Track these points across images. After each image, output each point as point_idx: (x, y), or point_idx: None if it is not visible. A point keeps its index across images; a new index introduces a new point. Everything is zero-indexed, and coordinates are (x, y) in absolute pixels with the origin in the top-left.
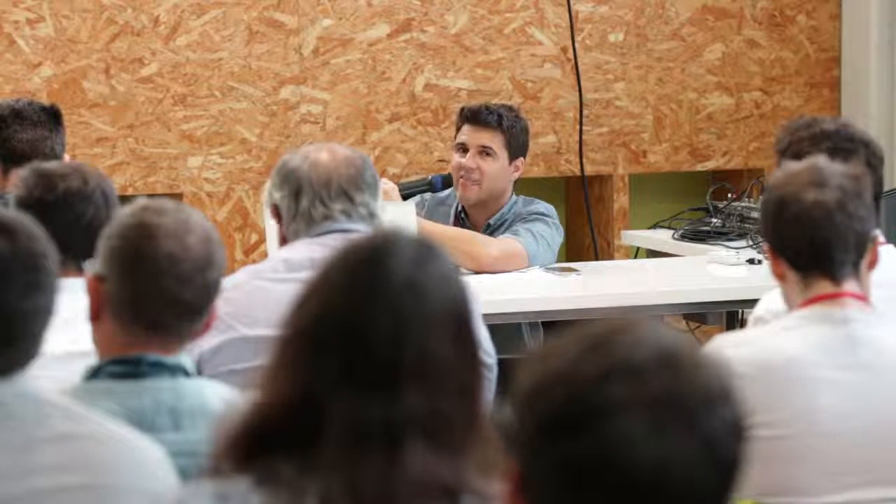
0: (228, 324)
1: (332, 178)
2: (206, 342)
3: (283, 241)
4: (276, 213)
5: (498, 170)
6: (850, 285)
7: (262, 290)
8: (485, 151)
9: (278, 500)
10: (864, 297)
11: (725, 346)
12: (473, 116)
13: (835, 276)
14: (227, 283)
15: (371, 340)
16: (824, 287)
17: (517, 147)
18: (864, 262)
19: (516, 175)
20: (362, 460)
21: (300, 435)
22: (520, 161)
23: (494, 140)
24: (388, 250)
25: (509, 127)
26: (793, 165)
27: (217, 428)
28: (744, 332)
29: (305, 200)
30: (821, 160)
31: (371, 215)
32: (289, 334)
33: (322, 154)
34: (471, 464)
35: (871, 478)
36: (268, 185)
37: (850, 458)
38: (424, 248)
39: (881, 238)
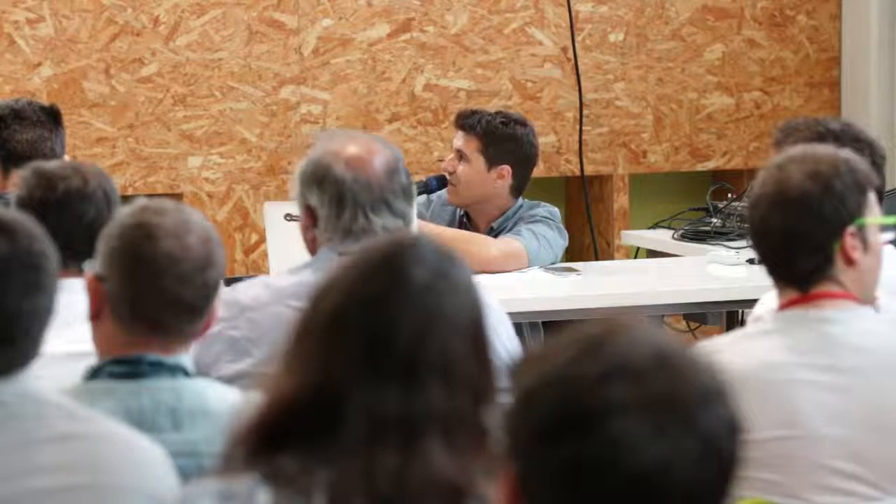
0: (249, 350)
1: (373, 185)
2: (226, 368)
3: (313, 242)
4: (311, 216)
5: (471, 174)
6: (823, 287)
7: (287, 318)
8: (460, 155)
9: (285, 497)
10: (843, 295)
11: (707, 352)
12: (457, 120)
13: (799, 285)
14: (245, 296)
15: (394, 332)
16: (792, 293)
17: (497, 153)
18: (837, 262)
19: (501, 182)
20: (378, 453)
21: (314, 428)
22: (503, 168)
23: (469, 144)
24: (411, 255)
25: (486, 132)
26: (770, 165)
27: (230, 425)
28: (723, 338)
29: (348, 213)
30: (789, 158)
31: (407, 225)
32: (308, 325)
33: (361, 154)
34: (480, 468)
35: (858, 478)
36: (296, 184)
37: (836, 460)
38: (445, 255)
39: (879, 238)
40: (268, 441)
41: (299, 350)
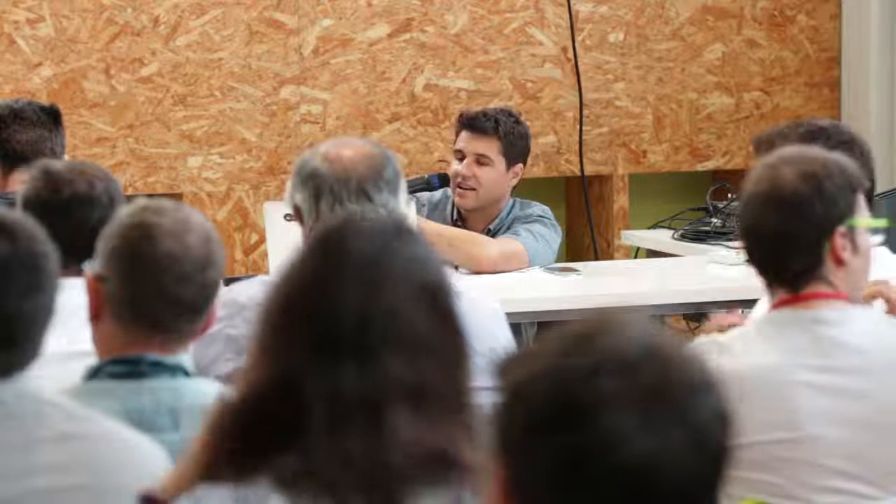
0: (247, 347)
1: (351, 177)
2: (226, 366)
3: None
4: (299, 215)
5: (494, 177)
6: (814, 287)
7: None
8: (481, 159)
9: (293, 498)
10: (834, 295)
11: (702, 353)
12: (470, 123)
13: (790, 285)
14: (243, 295)
15: (338, 310)
16: (783, 294)
17: (515, 153)
18: (827, 262)
19: (515, 180)
20: (347, 432)
21: (284, 421)
22: (518, 167)
23: (491, 148)
24: (353, 229)
25: (506, 133)
26: (763, 165)
27: (203, 430)
28: (721, 338)
29: (325, 203)
30: (781, 158)
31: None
32: (265, 319)
33: (341, 151)
34: (461, 434)
35: (859, 478)
36: (288, 186)
37: (836, 461)
38: (392, 228)
39: (875, 239)
40: (248, 439)
41: (260, 344)
